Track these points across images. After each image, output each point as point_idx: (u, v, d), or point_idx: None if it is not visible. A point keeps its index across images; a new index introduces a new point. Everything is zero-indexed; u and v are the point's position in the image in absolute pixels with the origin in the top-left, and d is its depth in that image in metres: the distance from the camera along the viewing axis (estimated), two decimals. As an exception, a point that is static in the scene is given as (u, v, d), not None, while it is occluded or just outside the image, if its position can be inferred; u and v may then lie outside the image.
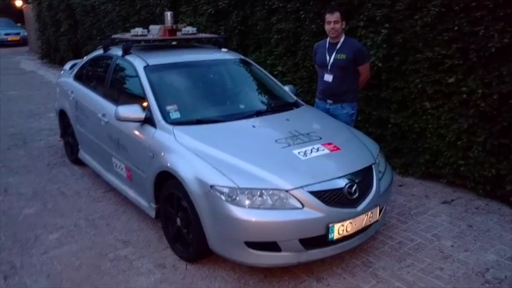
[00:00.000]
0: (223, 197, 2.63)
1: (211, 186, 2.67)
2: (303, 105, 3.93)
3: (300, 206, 2.63)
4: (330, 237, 2.68)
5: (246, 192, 2.63)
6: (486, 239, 3.37)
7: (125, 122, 3.42)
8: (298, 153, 2.93)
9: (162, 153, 3.09)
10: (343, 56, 3.87)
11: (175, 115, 3.34)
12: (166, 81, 3.71)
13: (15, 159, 5.35)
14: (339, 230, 2.71)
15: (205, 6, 7.19)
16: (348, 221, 2.73)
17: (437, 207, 3.93)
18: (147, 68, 3.68)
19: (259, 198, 2.63)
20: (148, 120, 3.34)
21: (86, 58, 4.97)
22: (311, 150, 2.98)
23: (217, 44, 4.64)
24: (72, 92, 4.72)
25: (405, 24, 4.29)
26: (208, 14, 7.11)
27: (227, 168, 2.74)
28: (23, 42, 21.67)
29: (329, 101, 4.05)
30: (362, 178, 2.92)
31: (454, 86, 4.02)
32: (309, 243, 2.68)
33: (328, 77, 3.96)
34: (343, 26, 3.94)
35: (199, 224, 2.77)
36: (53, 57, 15.17)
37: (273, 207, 2.62)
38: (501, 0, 3.54)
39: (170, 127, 3.20)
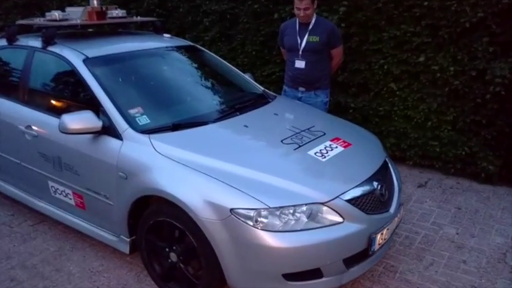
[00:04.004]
0: (249, 222, 2.05)
1: (232, 210, 2.06)
2: (275, 96, 3.43)
3: (340, 219, 2.17)
4: (372, 249, 2.28)
5: (278, 213, 2.08)
6: (481, 221, 3.32)
7: (71, 135, 2.55)
8: (315, 154, 2.46)
9: (142, 172, 2.35)
10: (316, 39, 3.45)
11: (143, 120, 2.59)
12: (116, 78, 2.89)
13: None
14: (379, 240, 2.32)
15: (110, -13, 6.14)
16: (386, 228, 2.36)
17: (417, 193, 3.81)
18: (87, 61, 2.82)
19: (293, 218, 2.11)
20: (108, 130, 2.54)
21: (-23, 52, 3.74)
22: (325, 149, 2.53)
23: (153, 29, 3.88)
24: (-37, 97, 3.51)
25: (365, 1, 4.03)
26: (114, -4, 6.08)
27: (245, 184, 2.15)
28: None
29: (301, 89, 3.62)
30: (385, 176, 2.57)
31: (422, 65, 3.90)
32: (350, 261, 2.24)
33: (300, 63, 3.52)
34: (315, 6, 3.51)
35: (215, 258, 2.15)
36: None
37: (310, 227, 2.12)
38: (472, -26, 3.46)
39: (144, 136, 2.46)
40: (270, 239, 2.03)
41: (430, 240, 3.06)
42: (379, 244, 2.33)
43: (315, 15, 3.52)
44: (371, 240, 2.25)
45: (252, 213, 2.05)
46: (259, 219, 2.05)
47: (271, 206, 2.06)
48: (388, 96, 4.19)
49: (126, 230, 2.54)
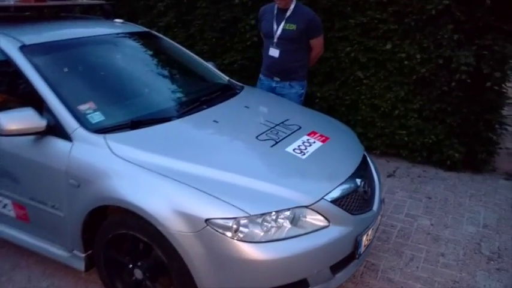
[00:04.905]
0: (228, 234, 1.80)
1: (207, 221, 1.80)
2: (242, 86, 3.17)
3: (326, 223, 1.98)
4: (358, 252, 2.12)
5: (260, 221, 1.85)
6: (452, 210, 3.30)
7: (8, 136, 2.16)
8: (294, 150, 2.25)
9: (98, 179, 2.02)
10: (293, 27, 3.20)
11: (96, 117, 2.25)
12: (61, 68, 2.50)
13: None
14: (365, 241, 2.17)
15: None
16: (370, 228, 2.21)
17: (387, 183, 3.73)
18: (24, 49, 2.41)
19: (275, 225, 1.89)
20: (54, 130, 2.18)
21: None
22: (303, 144, 2.33)
23: (101, 13, 3.49)
24: None
25: (330, -14, 3.86)
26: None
27: (220, 190, 1.89)
28: None
29: (276, 79, 3.38)
30: (365, 171, 2.42)
31: (389, 52, 3.79)
32: (336, 266, 2.07)
33: (274, 52, 3.27)
34: None
35: (188, 274, 1.89)
36: None
37: (294, 234, 1.91)
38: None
39: (98, 137, 2.12)
40: (252, 251, 1.80)
41: (407, 234, 2.97)
42: (364, 246, 2.18)
43: (294, 1, 3.24)
44: (357, 243, 2.09)
45: (230, 223, 1.80)
46: (238, 229, 1.81)
47: (251, 213, 1.83)
48: (354, 85, 4.07)
49: (81, 244, 2.21)
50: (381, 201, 2.44)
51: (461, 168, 3.91)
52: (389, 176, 3.87)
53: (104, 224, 2.11)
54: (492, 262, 2.68)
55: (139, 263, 2.08)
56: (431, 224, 3.09)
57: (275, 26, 3.23)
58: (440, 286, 2.48)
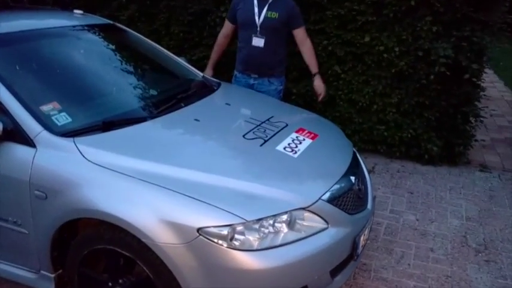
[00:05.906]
0: (222, 243, 1.62)
1: (199, 230, 1.62)
2: (219, 82, 2.98)
3: (324, 225, 1.85)
4: (356, 253, 2.01)
5: (257, 226, 1.68)
6: (434, 204, 3.27)
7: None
8: (284, 149, 2.10)
9: (69, 188, 1.78)
10: (275, 15, 3.03)
11: (62, 119, 2.00)
12: (15, 64, 2.20)
13: None
14: (362, 242, 2.06)
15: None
16: (367, 227, 2.10)
17: (368, 179, 3.67)
18: (-28, 42, 2.12)
19: (273, 230, 1.73)
20: (12, 135, 1.91)
21: None
22: (293, 142, 2.18)
23: (55, 4, 3.22)
24: None
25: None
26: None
27: (211, 195, 1.71)
28: None
29: (253, 75, 3.20)
30: (357, 168, 2.31)
31: (366, 45, 3.72)
32: (335, 270, 1.94)
33: (259, 41, 3.06)
34: None
35: (178, 290, 1.69)
36: None
37: (294, 238, 1.76)
38: None
39: (67, 141, 1.88)
40: (249, 260, 1.64)
41: (394, 230, 2.91)
42: (362, 246, 2.07)
43: None
44: (355, 244, 1.97)
45: (225, 231, 1.62)
46: (234, 237, 1.64)
47: (248, 219, 1.66)
48: (332, 80, 3.96)
49: (50, 263, 1.95)
50: (373, 198, 2.33)
51: (438, 161, 3.90)
52: (369, 172, 3.78)
53: (77, 240, 1.87)
54: (480, 254, 2.66)
55: (120, 281, 1.86)
56: (417, 219, 3.04)
57: (257, 14, 3.04)
58: (434, 282, 2.42)
